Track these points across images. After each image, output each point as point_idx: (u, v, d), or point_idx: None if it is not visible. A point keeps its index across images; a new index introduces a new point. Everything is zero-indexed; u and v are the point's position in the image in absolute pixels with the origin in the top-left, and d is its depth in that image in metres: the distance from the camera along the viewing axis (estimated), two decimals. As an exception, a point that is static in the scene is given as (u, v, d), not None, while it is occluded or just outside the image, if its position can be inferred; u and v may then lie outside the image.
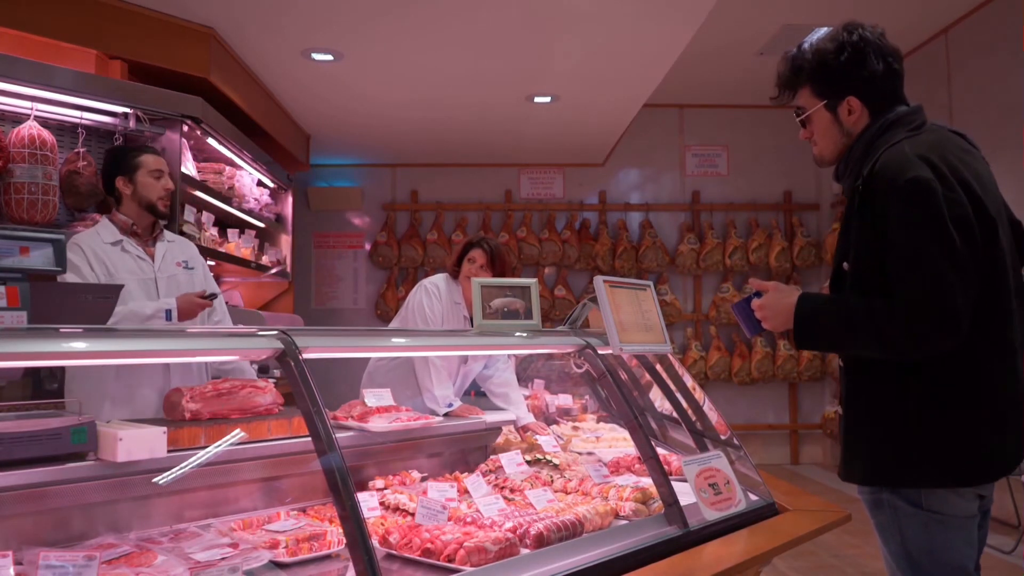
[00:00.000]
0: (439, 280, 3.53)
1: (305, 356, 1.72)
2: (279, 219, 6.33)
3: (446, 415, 2.99)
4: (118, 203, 2.94)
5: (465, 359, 3.46)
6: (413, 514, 2.01)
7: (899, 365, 1.73)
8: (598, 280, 2.29)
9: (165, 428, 1.84)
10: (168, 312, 2.74)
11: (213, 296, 2.78)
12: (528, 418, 3.29)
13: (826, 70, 1.85)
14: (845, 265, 1.80)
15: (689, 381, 2.79)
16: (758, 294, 1.92)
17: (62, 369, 3.32)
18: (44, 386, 3.38)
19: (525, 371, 3.90)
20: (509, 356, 3.63)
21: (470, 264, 3.44)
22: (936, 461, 1.71)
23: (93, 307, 2.00)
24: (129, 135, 3.87)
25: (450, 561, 1.72)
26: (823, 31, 1.94)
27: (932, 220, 1.64)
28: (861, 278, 1.76)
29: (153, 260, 2.93)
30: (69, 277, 2.75)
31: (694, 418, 2.71)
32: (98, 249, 2.82)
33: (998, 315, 1.73)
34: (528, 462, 2.54)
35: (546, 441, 2.84)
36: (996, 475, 1.75)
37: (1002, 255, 1.73)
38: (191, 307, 2.77)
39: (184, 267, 3.01)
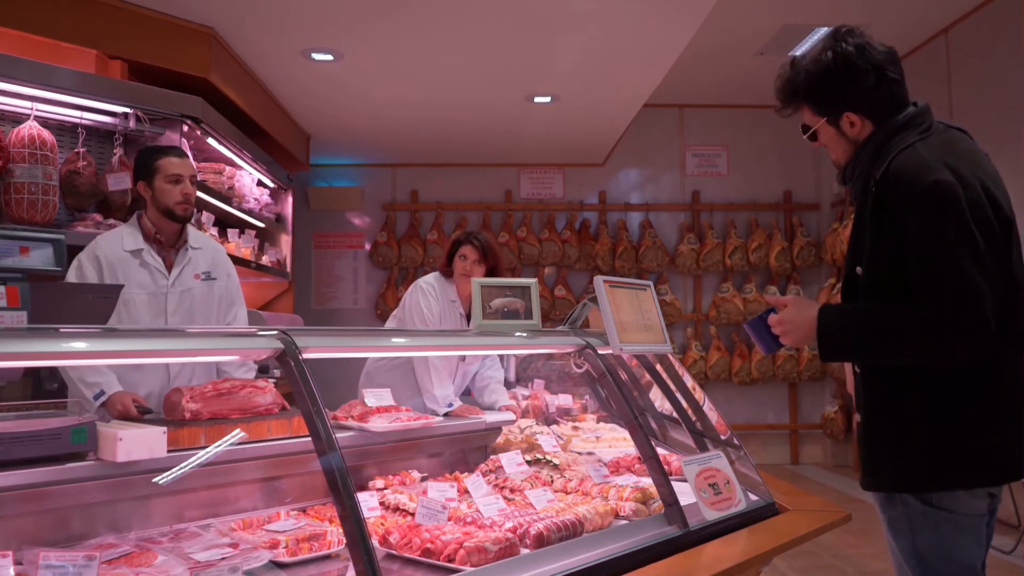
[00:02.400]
0: (433, 279, 3.54)
1: (305, 356, 1.72)
2: (279, 219, 6.34)
3: (446, 415, 2.99)
4: (145, 208, 2.88)
5: (463, 358, 3.47)
6: (413, 514, 2.01)
7: (922, 370, 1.71)
8: (598, 280, 2.29)
9: (165, 428, 1.84)
10: (99, 394, 2.47)
11: (148, 412, 2.45)
12: (504, 401, 3.31)
13: (818, 93, 1.85)
14: (859, 270, 1.78)
15: (689, 381, 2.79)
16: (773, 310, 1.90)
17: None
18: (44, 386, 3.38)
19: (525, 371, 3.90)
20: (500, 356, 3.66)
21: (462, 261, 3.44)
22: (966, 464, 1.69)
23: (93, 307, 1.99)
24: (129, 135, 3.87)
25: (450, 561, 1.72)
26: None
27: (957, 224, 1.62)
28: (877, 283, 1.74)
29: (170, 272, 2.85)
30: (71, 278, 2.73)
31: (694, 418, 2.71)
32: (113, 258, 2.77)
33: (1018, 314, 1.72)
34: (528, 462, 2.54)
35: (546, 441, 2.84)
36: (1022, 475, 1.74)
37: (1019, 253, 1.72)
38: (124, 410, 2.42)
39: (204, 278, 2.91)
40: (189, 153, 4.22)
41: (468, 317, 3.56)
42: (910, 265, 1.67)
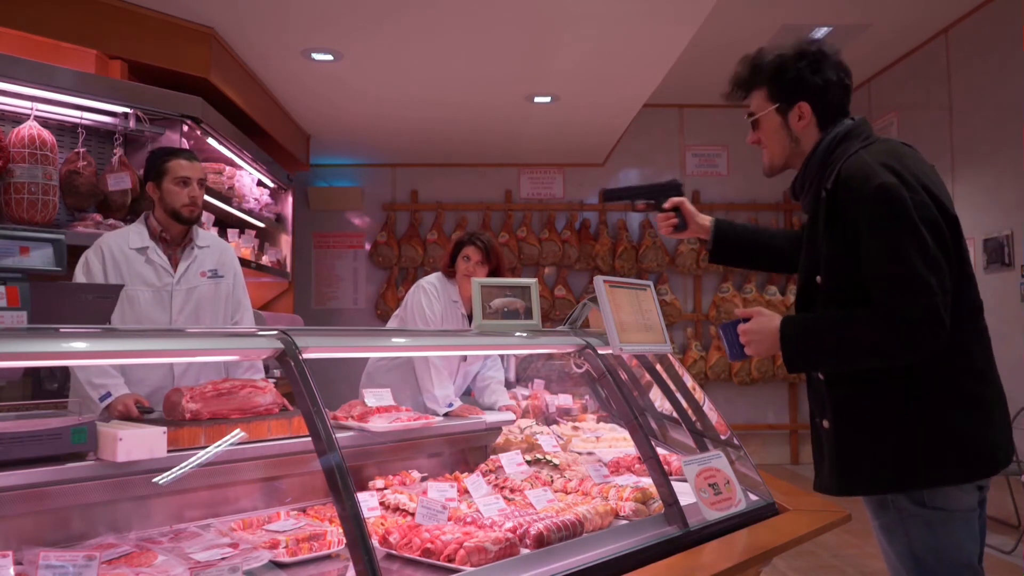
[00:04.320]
0: (435, 280, 3.55)
1: (305, 356, 1.72)
2: (279, 219, 6.34)
3: (446, 415, 2.99)
4: (153, 207, 2.92)
5: (464, 358, 3.47)
6: (413, 514, 2.01)
7: (886, 369, 1.74)
8: (598, 280, 2.29)
9: (165, 428, 1.84)
10: (105, 395, 2.50)
11: (150, 411, 2.46)
12: (504, 401, 3.33)
13: (784, 73, 1.90)
14: (818, 279, 1.81)
15: (689, 381, 2.79)
16: (746, 320, 1.91)
17: (62, 369, 3.31)
18: (44, 386, 3.38)
19: (525, 371, 3.90)
20: (501, 356, 3.66)
21: (465, 262, 3.45)
22: (941, 460, 1.71)
23: (93, 307, 2.00)
24: (129, 135, 3.88)
25: (450, 561, 1.72)
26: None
27: (904, 225, 1.67)
28: (836, 290, 1.77)
29: (175, 270, 2.87)
30: (79, 278, 2.75)
31: (694, 418, 2.71)
32: (118, 254, 2.79)
33: (973, 309, 1.77)
34: (528, 462, 2.54)
35: (546, 441, 2.84)
36: (999, 466, 1.76)
37: (967, 251, 1.78)
38: (124, 411, 2.42)
39: (211, 276, 2.94)
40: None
41: (470, 317, 3.56)
42: (864, 267, 1.71)
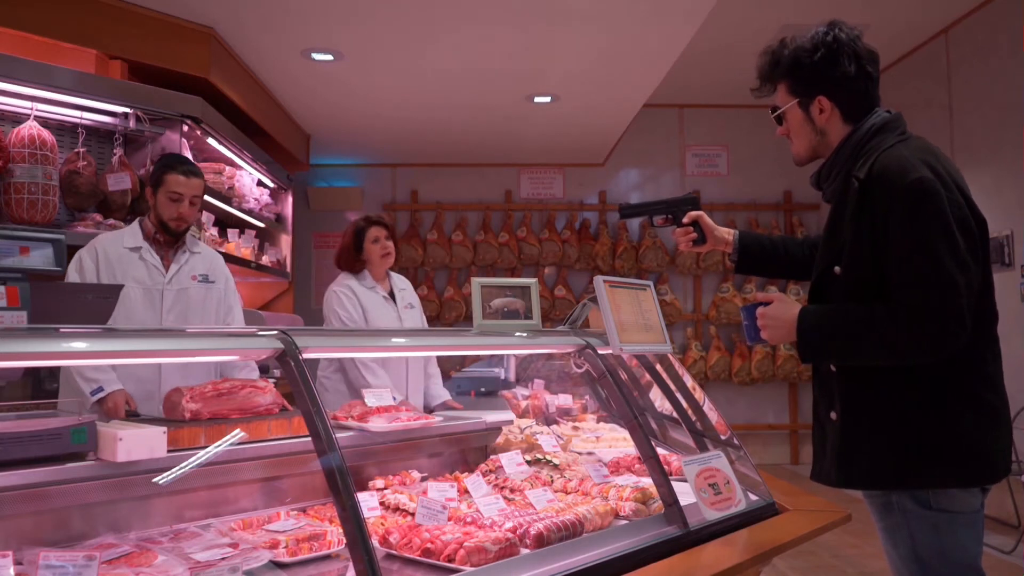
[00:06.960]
0: (344, 280, 3.66)
1: (305, 356, 1.72)
2: (279, 219, 6.34)
3: (432, 411, 3.03)
4: (149, 211, 2.97)
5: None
6: (413, 514, 2.01)
7: (903, 369, 1.72)
8: (598, 280, 2.29)
9: (165, 428, 1.84)
10: (97, 390, 2.60)
11: (136, 415, 2.53)
12: (444, 396, 3.48)
13: (799, 68, 1.87)
14: (837, 269, 1.79)
15: (689, 381, 2.79)
16: (767, 304, 1.91)
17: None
18: (44, 386, 3.38)
19: (525, 371, 3.91)
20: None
21: (376, 244, 3.60)
22: (945, 461, 1.70)
23: (93, 307, 2.00)
24: (129, 135, 3.88)
25: (450, 561, 1.72)
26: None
27: (937, 221, 1.64)
28: (857, 283, 1.75)
29: (167, 271, 2.92)
30: (72, 275, 2.78)
31: (694, 418, 2.71)
32: (112, 254, 2.84)
33: (992, 316, 1.76)
34: (528, 462, 2.54)
35: (546, 441, 2.84)
36: (1000, 474, 1.76)
37: (988, 255, 1.76)
38: (114, 409, 2.55)
39: (201, 280, 3.00)
40: (189, 152, 4.22)
41: (392, 295, 3.62)
42: (890, 262, 1.69)
